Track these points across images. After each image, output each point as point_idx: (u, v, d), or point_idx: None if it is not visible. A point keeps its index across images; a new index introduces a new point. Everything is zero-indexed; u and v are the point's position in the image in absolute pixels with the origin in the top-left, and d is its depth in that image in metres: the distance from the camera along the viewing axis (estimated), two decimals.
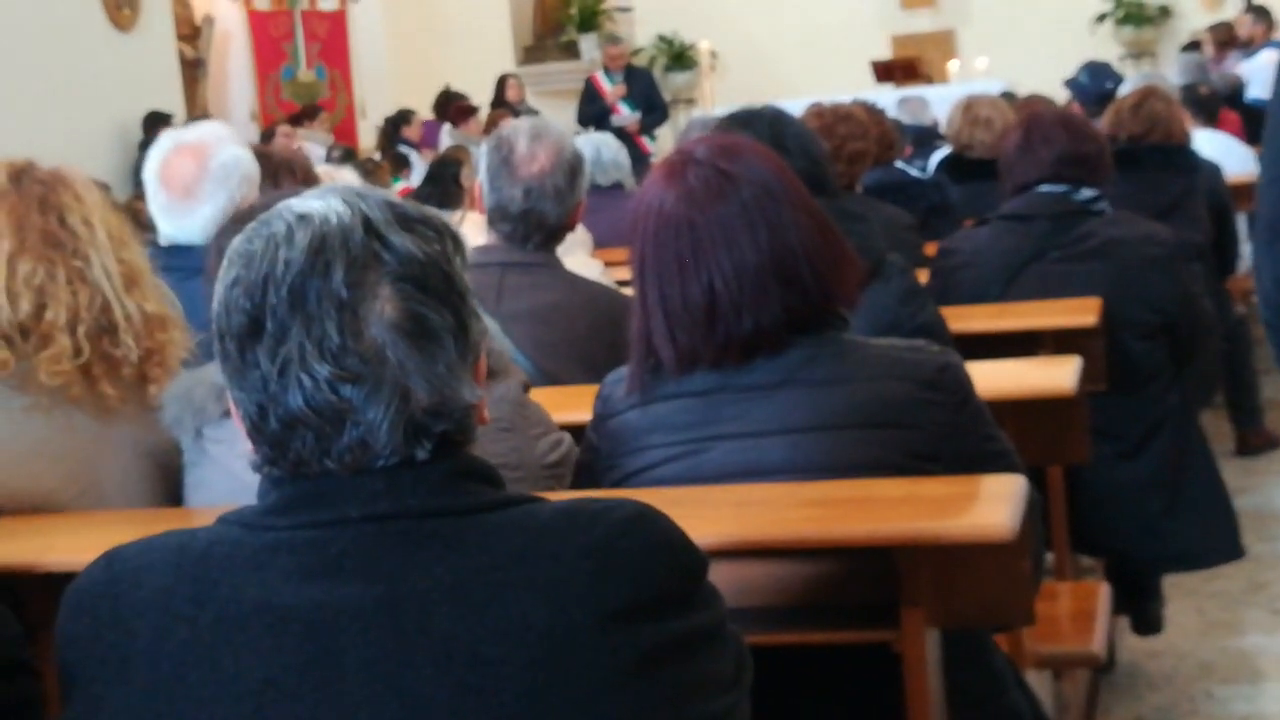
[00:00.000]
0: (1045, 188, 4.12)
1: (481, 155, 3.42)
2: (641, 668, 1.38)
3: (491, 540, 1.40)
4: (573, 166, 3.35)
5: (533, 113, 11.82)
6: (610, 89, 13.28)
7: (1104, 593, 3.59)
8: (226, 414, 2.31)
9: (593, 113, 13.15)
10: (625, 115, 13.06)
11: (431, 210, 1.51)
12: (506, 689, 1.34)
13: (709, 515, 2.06)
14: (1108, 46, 14.63)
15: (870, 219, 3.48)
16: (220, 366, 1.46)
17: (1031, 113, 4.53)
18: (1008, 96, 7.96)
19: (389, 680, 1.35)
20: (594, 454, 2.41)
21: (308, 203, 1.45)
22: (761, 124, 3.31)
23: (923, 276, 3.98)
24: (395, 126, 12.79)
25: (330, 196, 1.46)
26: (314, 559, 1.40)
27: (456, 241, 1.49)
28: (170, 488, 2.57)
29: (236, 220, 2.51)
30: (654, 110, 13.41)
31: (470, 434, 1.47)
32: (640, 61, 14.83)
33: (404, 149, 11.92)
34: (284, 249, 1.42)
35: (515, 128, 3.41)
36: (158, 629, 1.40)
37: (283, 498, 1.44)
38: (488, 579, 1.38)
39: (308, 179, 3.76)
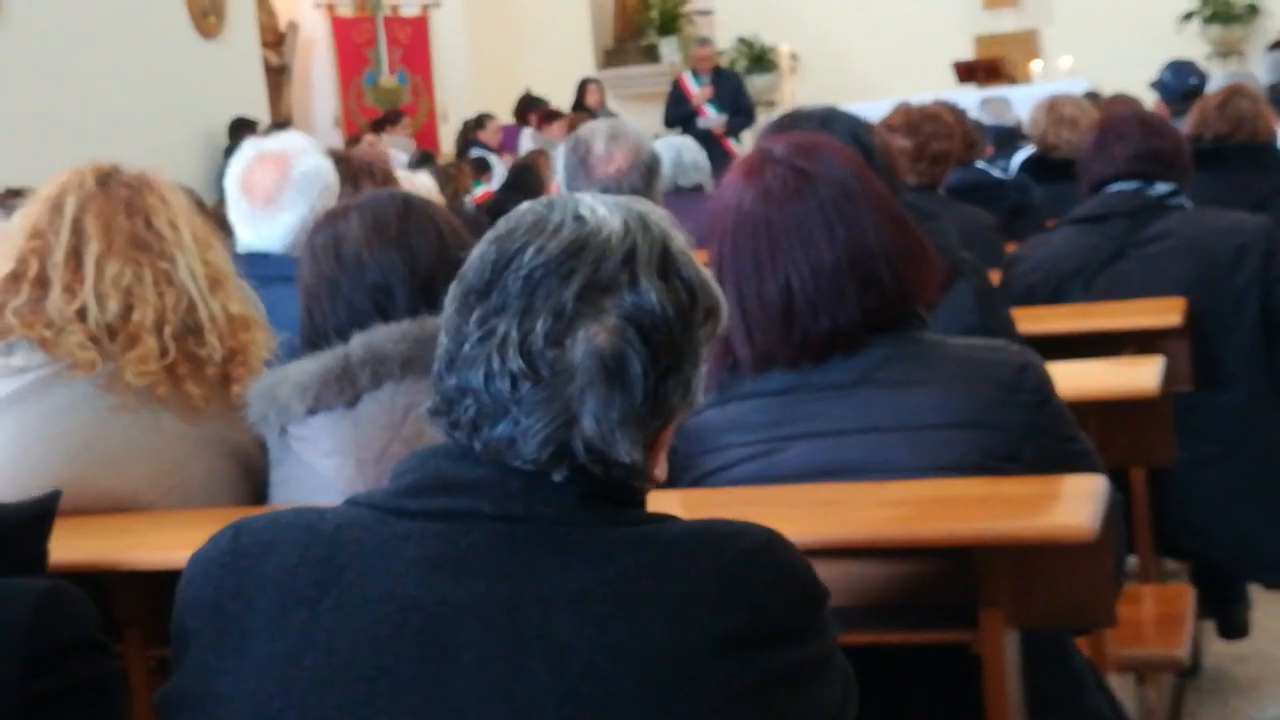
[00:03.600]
0: (1118, 186, 4.05)
1: (559, 156, 3.43)
2: (753, 695, 1.38)
3: (619, 554, 1.40)
4: (649, 167, 3.36)
5: (612, 117, 11.84)
6: (697, 91, 13.22)
7: (1189, 596, 3.54)
8: (310, 412, 2.34)
9: (679, 114, 13.13)
10: (712, 118, 13.00)
11: (708, 277, 1.51)
12: (617, 704, 1.34)
13: (786, 515, 2.04)
14: (1194, 45, 14.46)
15: (943, 217, 3.45)
16: (446, 304, 1.48)
17: (1107, 112, 4.48)
18: (1092, 97, 7.88)
19: (501, 681, 1.35)
20: (671, 453, 2.39)
21: (596, 207, 1.47)
22: (814, 122, 3.30)
23: (997, 278, 3.94)
24: (471, 130, 12.84)
25: (617, 212, 1.47)
26: (441, 552, 1.41)
27: (710, 315, 1.50)
28: (254, 487, 2.59)
29: (326, 219, 2.53)
30: (741, 113, 13.33)
31: (618, 479, 1.45)
32: (721, 64, 14.80)
33: (483, 153, 11.98)
34: (544, 237, 1.44)
35: (593, 129, 3.42)
36: (278, 607, 1.42)
37: (419, 480, 1.46)
38: (612, 591, 1.38)
39: (387, 181, 3.80)
